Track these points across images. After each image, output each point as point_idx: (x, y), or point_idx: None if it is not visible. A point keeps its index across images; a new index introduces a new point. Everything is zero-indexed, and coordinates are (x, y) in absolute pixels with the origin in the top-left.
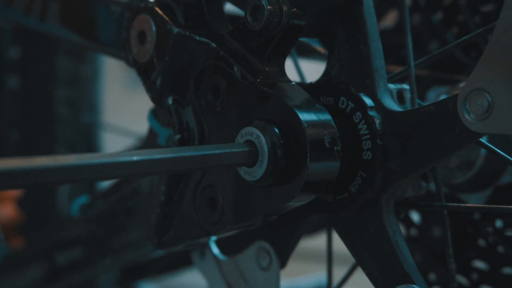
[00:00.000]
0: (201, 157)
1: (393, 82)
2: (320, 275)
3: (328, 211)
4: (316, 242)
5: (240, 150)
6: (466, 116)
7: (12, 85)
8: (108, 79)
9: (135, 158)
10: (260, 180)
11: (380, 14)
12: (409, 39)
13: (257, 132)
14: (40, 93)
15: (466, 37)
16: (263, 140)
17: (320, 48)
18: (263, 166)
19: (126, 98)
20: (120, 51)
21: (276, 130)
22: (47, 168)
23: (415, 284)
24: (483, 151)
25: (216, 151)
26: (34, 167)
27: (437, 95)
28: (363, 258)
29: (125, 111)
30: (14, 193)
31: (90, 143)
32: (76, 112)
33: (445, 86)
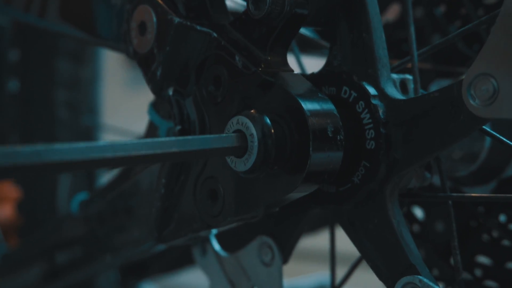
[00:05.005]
0: (185, 145)
1: (396, 73)
2: (321, 275)
3: (331, 203)
4: (316, 242)
5: (227, 139)
6: (471, 101)
7: (12, 88)
8: (108, 80)
9: (114, 145)
10: (250, 171)
11: (382, 7)
12: (412, 30)
13: (246, 121)
14: (40, 95)
15: (468, 25)
16: (253, 129)
17: (321, 41)
18: (253, 157)
19: (125, 100)
20: (121, 44)
21: (267, 119)
22: (45, 154)
23: (420, 275)
24: (487, 143)
25: (202, 140)
26: (32, 152)
27: (439, 88)
28: (367, 250)
29: (124, 113)
30: (14, 193)
31: None
32: (75, 114)
33: (448, 79)
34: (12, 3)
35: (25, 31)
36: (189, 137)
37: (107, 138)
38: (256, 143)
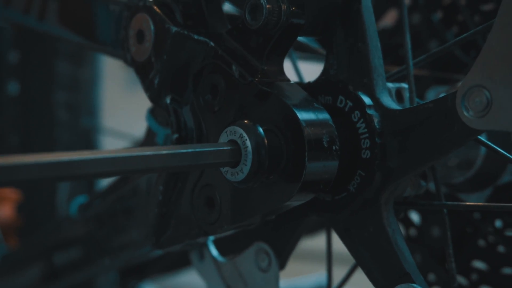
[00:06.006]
0: (179, 156)
1: (391, 81)
2: (320, 276)
3: (327, 211)
4: (315, 242)
5: (221, 149)
6: (465, 113)
7: (12, 89)
8: (107, 82)
9: (108, 155)
10: (244, 181)
11: (379, 13)
12: (408, 38)
13: (240, 131)
14: (39, 97)
15: (464, 35)
16: (247, 140)
17: (318, 48)
18: (247, 167)
19: (125, 102)
20: (119, 50)
21: (260, 129)
22: (42, 164)
23: (415, 283)
24: (482, 150)
25: (197, 150)
26: (32, 162)
27: (436, 94)
28: (363, 258)
29: (124, 115)
30: (13, 194)
31: (89, 147)
32: (75, 116)
33: (445, 85)
34: (12, 7)
35: (24, 32)
36: (182, 148)
37: (106, 140)
38: (250, 154)
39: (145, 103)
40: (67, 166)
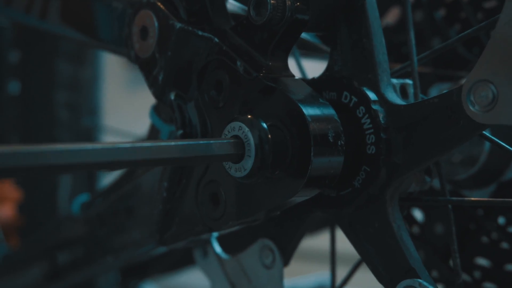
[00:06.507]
0: (182, 151)
1: (396, 78)
2: (321, 275)
3: (332, 207)
4: (317, 242)
5: (224, 144)
6: (471, 107)
7: (12, 89)
8: (108, 82)
9: (115, 146)
10: (247, 177)
11: (382, 10)
12: (412, 34)
13: (243, 126)
14: (40, 97)
15: (468, 31)
16: (250, 135)
17: (322, 46)
18: (250, 162)
19: (126, 101)
20: (122, 47)
21: (264, 124)
22: (47, 154)
23: (420, 278)
24: (486, 147)
25: (199, 145)
26: (37, 151)
27: (439, 91)
28: (368, 254)
29: (125, 114)
30: (14, 193)
31: None
32: (76, 115)
33: (448, 82)
34: (13, 5)
35: (25, 32)
36: (185, 142)
37: (107, 139)
38: (253, 149)
39: (146, 103)
40: (72, 155)
